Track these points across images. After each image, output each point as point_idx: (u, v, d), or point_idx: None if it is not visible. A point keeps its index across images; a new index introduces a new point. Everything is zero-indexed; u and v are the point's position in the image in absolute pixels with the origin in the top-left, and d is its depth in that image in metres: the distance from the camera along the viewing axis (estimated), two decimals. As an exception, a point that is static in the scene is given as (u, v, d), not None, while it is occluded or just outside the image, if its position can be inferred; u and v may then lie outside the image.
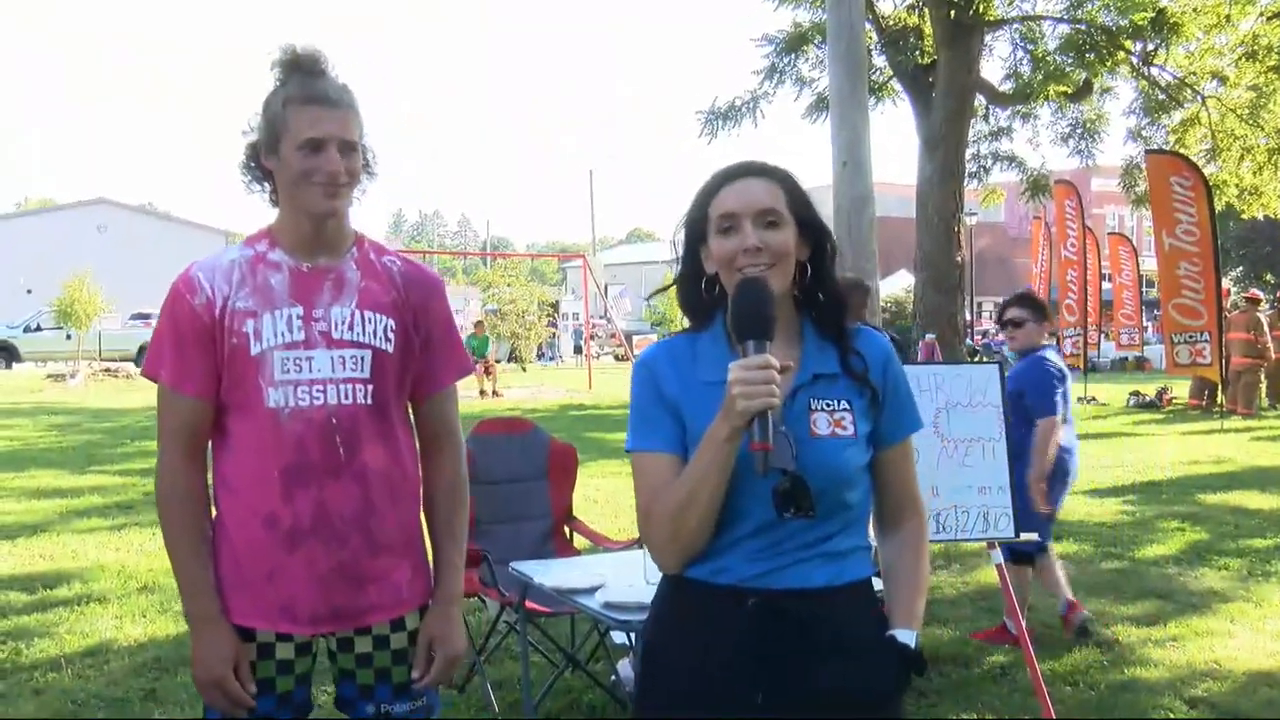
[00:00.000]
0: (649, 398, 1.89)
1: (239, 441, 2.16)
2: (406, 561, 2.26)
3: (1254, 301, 16.51)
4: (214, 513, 2.22)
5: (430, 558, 2.35)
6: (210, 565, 2.17)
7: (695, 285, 1.92)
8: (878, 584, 1.97)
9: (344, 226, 2.23)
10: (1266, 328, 15.83)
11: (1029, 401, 4.99)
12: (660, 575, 1.96)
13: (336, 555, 2.14)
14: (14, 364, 28.34)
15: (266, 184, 2.21)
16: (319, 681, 2.40)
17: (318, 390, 2.13)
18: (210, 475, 2.22)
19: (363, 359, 2.17)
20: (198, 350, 2.13)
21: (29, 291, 36.97)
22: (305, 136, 2.10)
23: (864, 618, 1.88)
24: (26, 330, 29.10)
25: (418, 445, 2.32)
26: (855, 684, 1.82)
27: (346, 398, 2.15)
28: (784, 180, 1.90)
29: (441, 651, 2.26)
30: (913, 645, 1.85)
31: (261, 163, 2.18)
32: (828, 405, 1.85)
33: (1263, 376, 16.11)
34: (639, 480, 1.88)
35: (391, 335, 2.20)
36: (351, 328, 2.17)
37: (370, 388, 2.17)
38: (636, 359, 2.01)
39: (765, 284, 1.80)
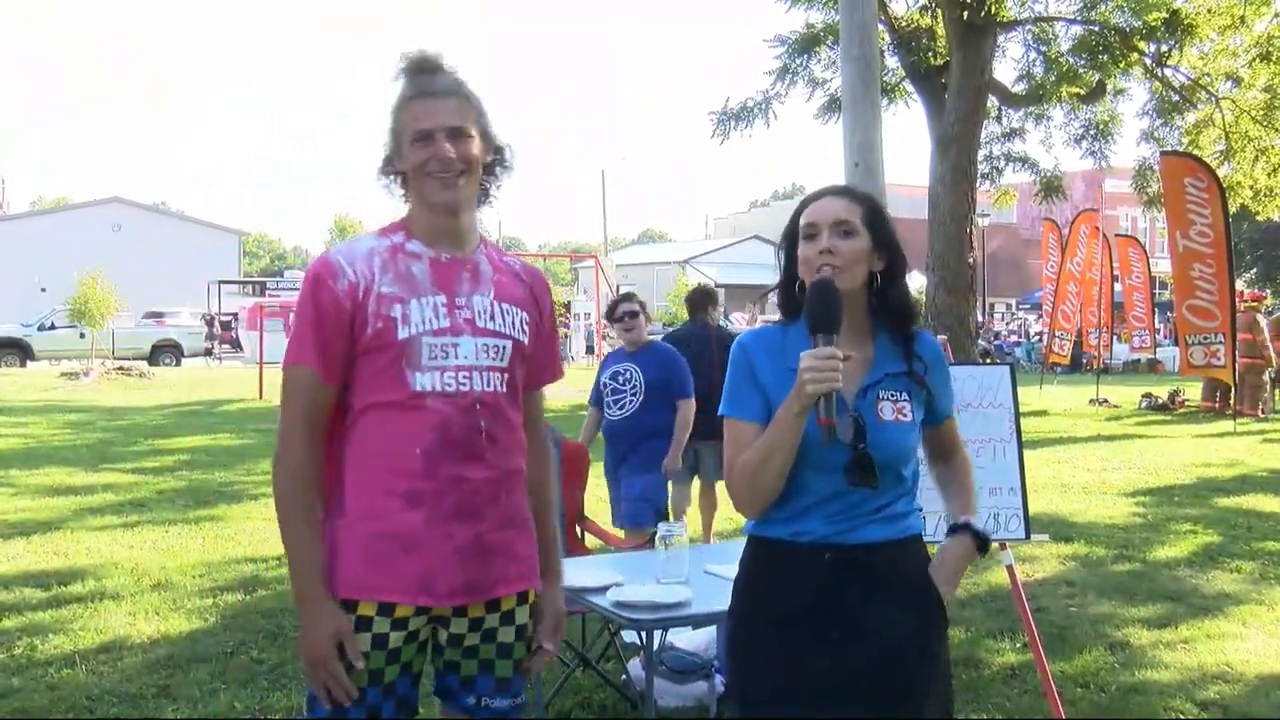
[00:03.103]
0: (744, 375, 2.25)
1: (375, 424, 2.18)
2: (526, 534, 2.33)
3: (1256, 300, 16.52)
4: (332, 496, 2.23)
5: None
6: (320, 546, 2.18)
7: (790, 287, 2.28)
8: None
9: (473, 223, 2.32)
10: (1265, 329, 15.80)
11: (674, 386, 5.74)
12: (676, 575, 2.17)
13: (473, 529, 2.19)
14: (28, 362, 28.46)
15: (405, 187, 2.29)
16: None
17: (464, 376, 2.20)
18: (324, 458, 2.24)
19: (503, 348, 2.26)
20: (337, 338, 2.17)
21: (43, 290, 37.12)
22: (415, 129, 2.19)
23: (917, 565, 2.26)
24: (40, 329, 29.21)
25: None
26: (910, 622, 2.18)
27: (488, 385, 2.22)
28: (864, 201, 2.28)
29: (560, 626, 2.42)
30: (980, 527, 2.32)
31: (395, 167, 2.27)
32: (893, 396, 2.22)
33: (1267, 378, 16.06)
34: (728, 441, 2.25)
35: (526, 328, 2.31)
36: (493, 317, 2.26)
37: (506, 376, 2.26)
38: (737, 340, 2.32)
39: (833, 286, 2.14)
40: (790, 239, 2.29)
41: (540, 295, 2.39)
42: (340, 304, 2.16)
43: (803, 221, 2.25)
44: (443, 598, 2.19)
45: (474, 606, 2.24)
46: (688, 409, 5.77)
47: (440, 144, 2.18)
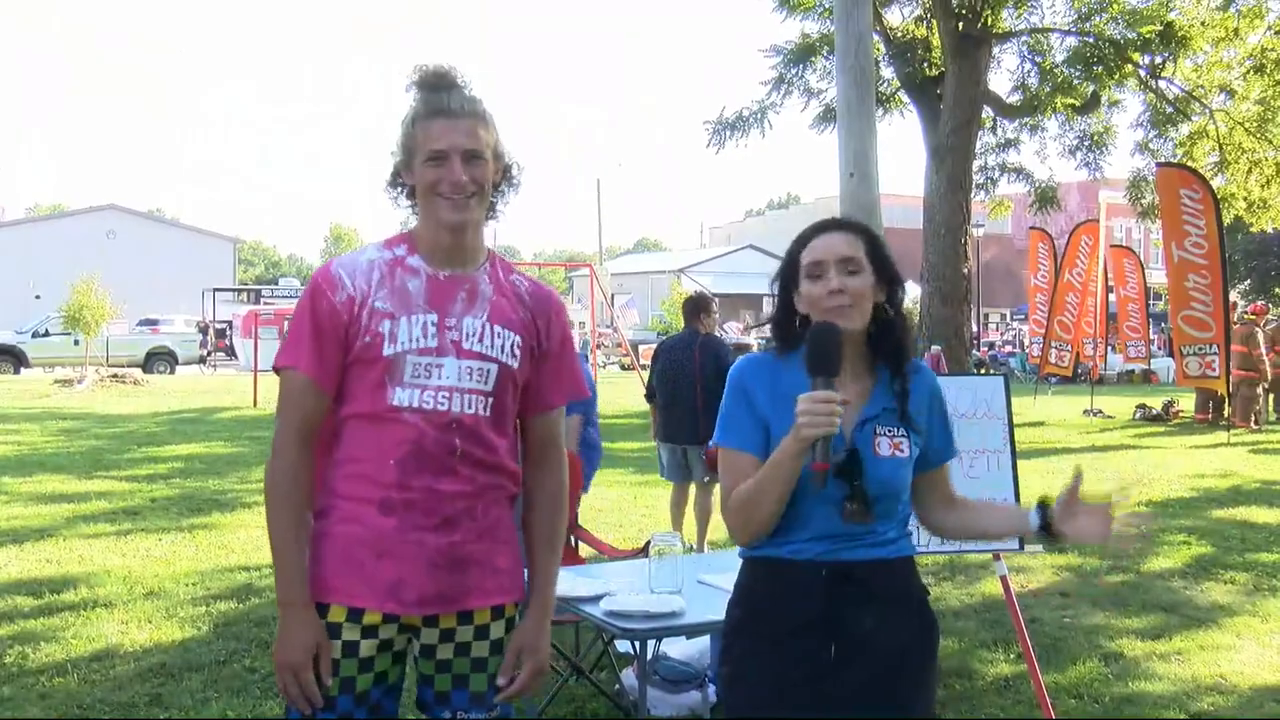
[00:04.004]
0: (740, 403, 2.25)
1: (353, 436, 2.20)
2: (509, 549, 2.30)
3: (1258, 313, 16.54)
4: (316, 501, 2.24)
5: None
6: (306, 553, 2.18)
7: (786, 321, 2.27)
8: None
9: (479, 239, 2.31)
10: (1263, 342, 15.81)
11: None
12: (670, 585, 2.33)
13: (447, 539, 2.18)
14: (22, 369, 28.40)
15: (412, 199, 2.29)
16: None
17: (443, 396, 2.19)
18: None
19: (488, 372, 2.23)
20: (334, 347, 2.19)
21: (38, 297, 37.11)
22: (429, 149, 2.19)
23: (909, 583, 2.27)
24: (35, 335, 29.17)
25: (523, 457, 2.37)
26: (903, 639, 2.21)
27: (469, 407, 2.21)
28: (864, 234, 2.27)
29: (530, 662, 2.30)
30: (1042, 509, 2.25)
31: (404, 180, 2.28)
32: (890, 431, 2.22)
33: (1260, 391, 16.08)
34: (723, 470, 2.26)
35: (517, 352, 2.27)
36: (481, 339, 2.24)
37: (490, 400, 2.23)
38: (733, 366, 2.31)
39: (836, 329, 2.14)
40: (786, 277, 2.26)
41: (544, 317, 2.35)
42: (337, 315, 2.18)
43: (806, 260, 2.22)
44: (412, 605, 2.18)
45: (445, 617, 2.23)
46: (575, 423, 5.81)
47: (454, 166, 2.18)
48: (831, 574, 2.17)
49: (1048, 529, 2.24)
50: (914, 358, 2.31)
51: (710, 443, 6.63)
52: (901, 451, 2.22)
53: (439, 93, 2.23)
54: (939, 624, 2.32)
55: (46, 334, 28.77)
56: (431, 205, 2.22)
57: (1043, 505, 2.25)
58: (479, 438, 2.22)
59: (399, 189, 2.31)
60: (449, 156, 2.18)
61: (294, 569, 2.17)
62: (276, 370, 2.23)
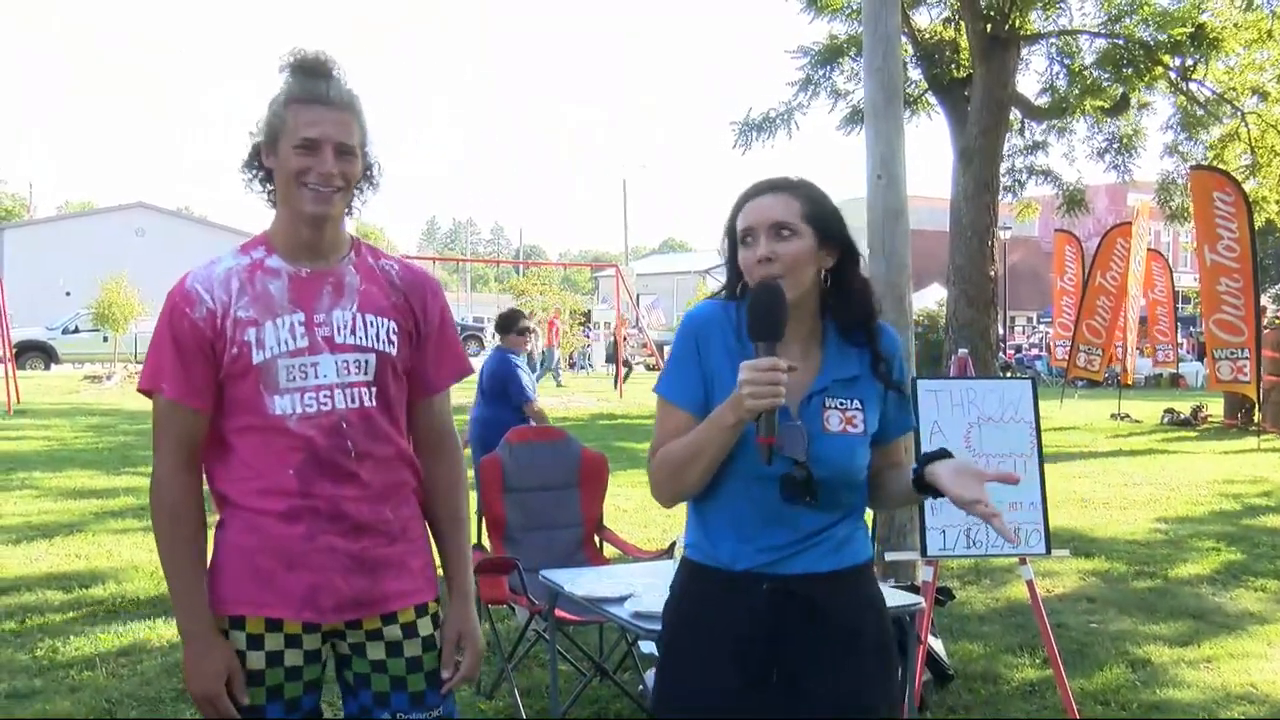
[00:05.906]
0: (688, 355, 2.08)
1: (246, 448, 2.13)
2: (419, 548, 2.27)
3: None
4: (214, 518, 2.19)
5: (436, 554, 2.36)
6: (205, 578, 2.13)
7: (734, 286, 2.10)
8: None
9: (340, 232, 2.23)
10: None
11: (511, 390, 6.78)
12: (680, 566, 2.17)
13: (357, 544, 2.14)
14: (52, 365, 28.71)
15: (267, 184, 2.19)
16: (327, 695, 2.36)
17: (324, 395, 2.13)
18: (205, 482, 2.19)
19: (366, 362, 2.17)
20: (200, 363, 2.11)
21: (68, 294, 37.48)
22: (301, 136, 2.09)
23: (863, 596, 2.09)
24: (65, 332, 29.48)
25: (413, 445, 2.31)
26: (856, 662, 2.03)
27: (353, 401, 2.15)
28: (803, 193, 2.05)
29: (470, 646, 2.27)
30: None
31: (263, 162, 2.17)
32: (841, 405, 2.03)
33: None
34: (658, 421, 2.10)
35: (394, 338, 2.20)
36: (354, 331, 2.17)
37: (374, 390, 2.17)
38: (689, 313, 2.15)
39: (778, 290, 1.95)
40: (731, 241, 2.10)
41: (419, 299, 2.27)
42: (199, 332, 2.11)
43: (739, 226, 2.06)
44: (329, 613, 2.14)
45: (369, 620, 2.19)
46: (532, 408, 6.87)
47: (325, 156, 2.10)
48: (774, 590, 2.00)
49: (921, 478, 2.00)
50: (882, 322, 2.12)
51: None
52: (854, 427, 2.03)
53: (316, 79, 2.14)
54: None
55: (76, 330, 29.07)
56: (294, 194, 2.12)
57: (932, 457, 2.01)
58: (372, 430, 2.16)
59: (254, 172, 2.20)
60: (321, 146, 2.10)
61: (195, 596, 2.12)
62: (142, 393, 2.17)
